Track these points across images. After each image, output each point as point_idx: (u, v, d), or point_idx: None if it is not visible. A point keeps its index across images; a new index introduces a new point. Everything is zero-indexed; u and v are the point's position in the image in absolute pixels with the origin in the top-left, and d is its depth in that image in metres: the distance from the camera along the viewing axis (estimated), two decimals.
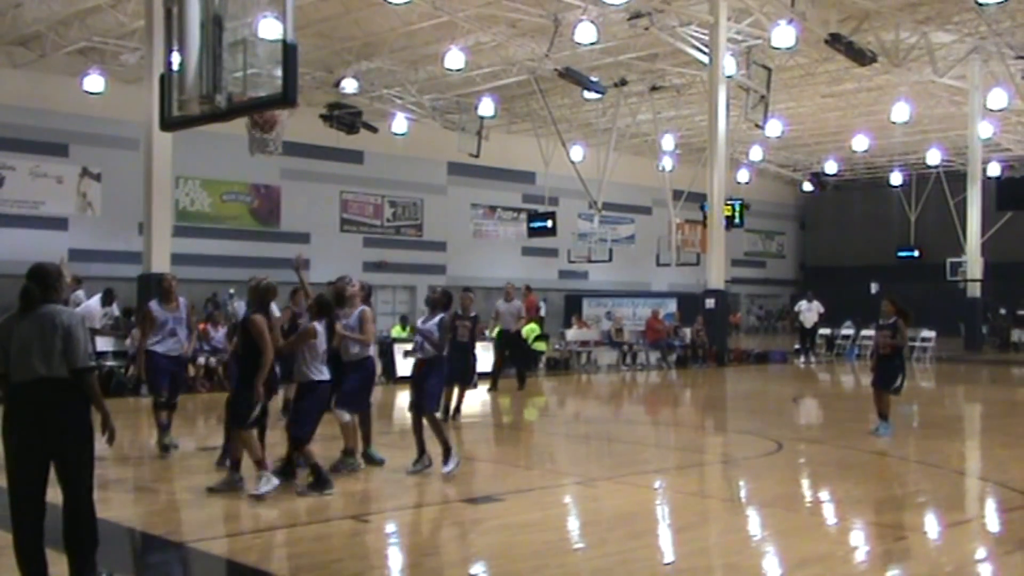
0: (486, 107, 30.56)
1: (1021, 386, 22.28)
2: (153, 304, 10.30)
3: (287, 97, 7.26)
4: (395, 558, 6.61)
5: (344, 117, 30.97)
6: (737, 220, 33.86)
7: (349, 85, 29.15)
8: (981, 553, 6.77)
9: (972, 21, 24.89)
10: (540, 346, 22.15)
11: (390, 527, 7.53)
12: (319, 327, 8.15)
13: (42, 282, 5.24)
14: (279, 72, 7.25)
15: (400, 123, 33.48)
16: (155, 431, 10.29)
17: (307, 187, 34.62)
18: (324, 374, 8.16)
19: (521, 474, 9.91)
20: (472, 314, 13.08)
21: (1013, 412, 16.29)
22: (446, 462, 8.70)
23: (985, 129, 30.88)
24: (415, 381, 9.05)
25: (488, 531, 7.20)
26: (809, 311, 27.59)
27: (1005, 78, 27.79)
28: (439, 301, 9.09)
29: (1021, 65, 27.17)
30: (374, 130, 32.36)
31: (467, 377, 12.78)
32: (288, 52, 7.10)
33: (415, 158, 36.48)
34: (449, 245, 38.81)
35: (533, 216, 35.30)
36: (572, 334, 24.31)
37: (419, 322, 9.24)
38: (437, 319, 8.94)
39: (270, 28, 10.89)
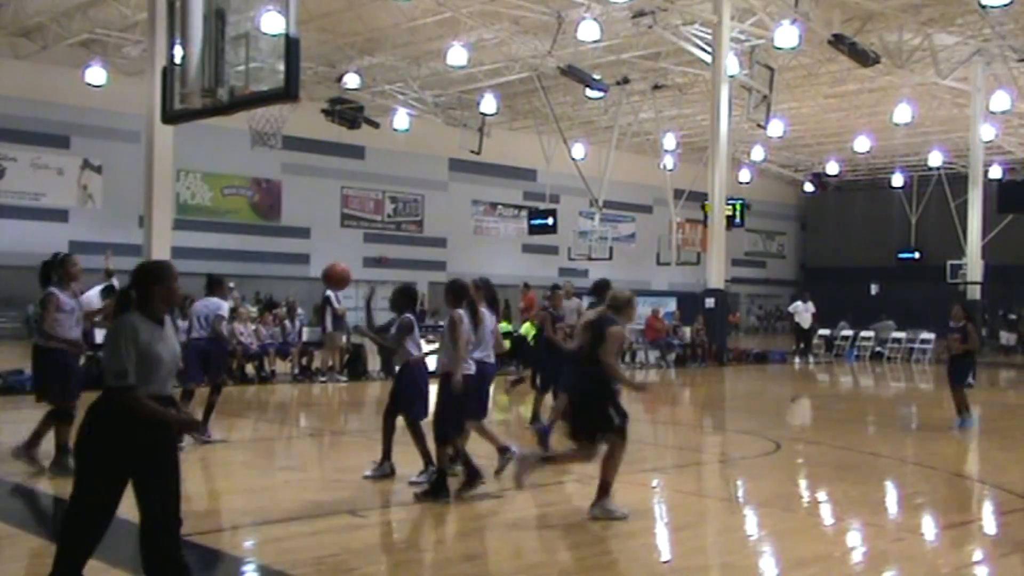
0: (488, 104, 30.55)
1: (1018, 388, 22.26)
2: (55, 289, 8.44)
3: (289, 91, 7.26)
4: (391, 554, 6.61)
5: (346, 112, 30.98)
6: (738, 220, 33.85)
7: (351, 80, 29.16)
8: (978, 555, 6.77)
9: (976, 23, 24.87)
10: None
11: (386, 523, 7.54)
12: (463, 313, 7.78)
13: (132, 285, 4.71)
14: (281, 66, 7.25)
15: (402, 119, 33.48)
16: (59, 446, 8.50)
17: (308, 182, 34.62)
18: (468, 367, 7.83)
19: None
20: (562, 314, 12.81)
21: (1011, 414, 16.29)
22: (420, 473, 8.30)
23: (987, 132, 30.86)
24: (394, 387, 8.63)
25: (484, 528, 7.20)
26: (806, 312, 27.61)
27: (1008, 81, 27.78)
28: (401, 302, 8.47)
29: (1023, 68, 27.20)
30: (376, 125, 32.36)
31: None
32: (290, 46, 7.09)
33: (416, 154, 36.48)
34: (449, 241, 38.83)
35: (534, 213, 35.34)
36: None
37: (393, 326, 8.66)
38: (398, 321, 8.41)
39: (272, 22, 10.88)
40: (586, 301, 11.12)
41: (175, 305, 5.01)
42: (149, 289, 4.66)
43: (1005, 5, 20.82)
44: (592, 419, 7.06)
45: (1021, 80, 28.14)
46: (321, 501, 7.74)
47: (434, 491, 7.70)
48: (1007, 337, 33.15)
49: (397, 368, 8.78)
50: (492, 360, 8.61)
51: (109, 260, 18.06)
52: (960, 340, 12.78)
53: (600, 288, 11.25)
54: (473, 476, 7.77)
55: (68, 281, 8.41)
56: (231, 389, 16.41)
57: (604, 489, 7.17)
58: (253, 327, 17.97)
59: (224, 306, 10.92)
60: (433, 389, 8.53)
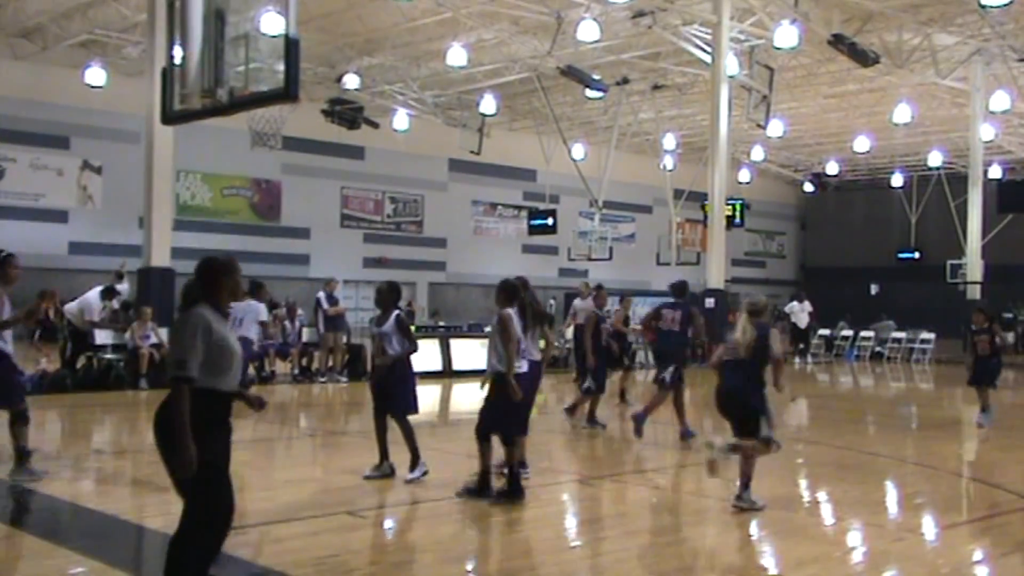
0: (488, 104, 30.54)
1: (1016, 388, 22.25)
2: None
3: (289, 92, 7.25)
4: (391, 554, 6.61)
5: (345, 112, 30.96)
6: (738, 220, 33.83)
7: (351, 80, 29.14)
8: (978, 555, 6.77)
9: (975, 23, 24.85)
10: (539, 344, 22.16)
11: (386, 523, 7.54)
12: (513, 313, 7.76)
13: (200, 278, 4.65)
14: (281, 67, 7.24)
15: (401, 119, 33.46)
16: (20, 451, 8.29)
17: (308, 182, 34.62)
18: (521, 366, 7.80)
19: None
20: (606, 314, 13.08)
21: (1011, 414, 16.28)
22: (412, 469, 8.39)
23: (987, 131, 30.84)
24: (382, 385, 8.58)
25: (485, 528, 7.20)
26: (802, 312, 27.59)
27: (1007, 80, 27.76)
28: (389, 299, 8.58)
29: (1023, 68, 27.15)
30: (375, 126, 32.36)
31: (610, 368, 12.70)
32: (290, 47, 7.09)
33: (416, 154, 36.48)
34: (449, 242, 38.83)
35: (534, 214, 35.32)
36: (571, 332, 24.24)
37: (373, 324, 8.76)
38: (393, 318, 8.45)
39: (272, 22, 10.89)
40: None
41: (237, 299, 4.97)
42: (219, 282, 4.61)
43: (1005, 5, 20.80)
44: (750, 420, 7.60)
45: (1021, 80, 28.12)
46: (321, 501, 7.74)
47: (478, 490, 7.66)
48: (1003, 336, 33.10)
49: (376, 365, 8.76)
50: (538, 358, 8.67)
51: (124, 268, 18.37)
52: (989, 343, 12.99)
53: (679, 289, 12.08)
54: (516, 492, 7.68)
55: (8, 282, 8.20)
56: None
57: (746, 483, 7.56)
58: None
59: (263, 309, 11.16)
60: (418, 388, 8.57)
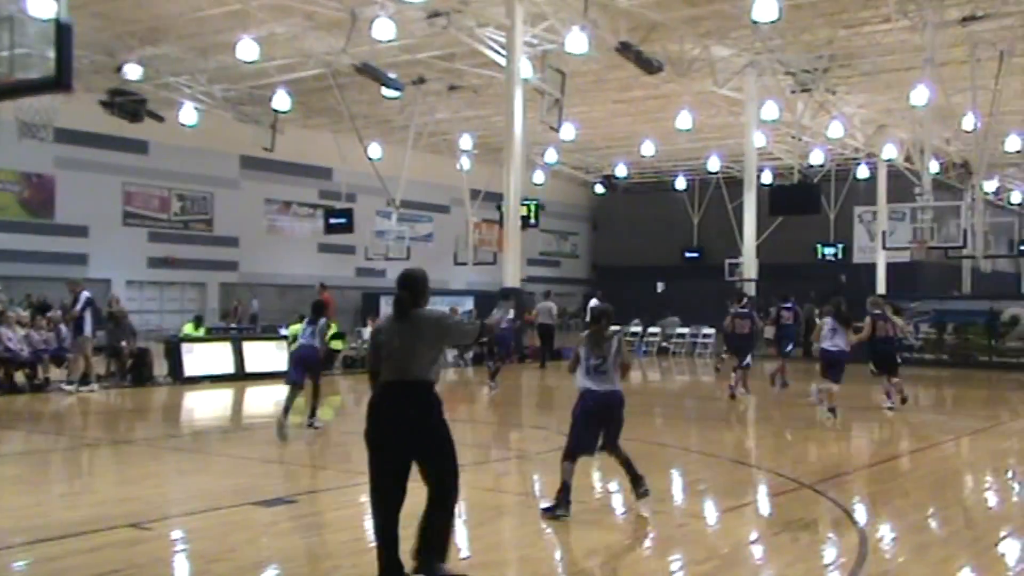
0: (281, 100, 29.75)
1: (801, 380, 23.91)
2: None
3: (61, 80, 6.83)
4: (179, 566, 6.33)
5: (126, 104, 29.43)
6: (532, 220, 34.63)
7: (132, 71, 27.65)
8: (754, 535, 7.23)
9: (748, 37, 26.52)
10: (337, 344, 21.88)
11: (174, 534, 7.19)
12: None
13: (412, 289, 5.56)
14: (51, 53, 6.81)
15: (189, 113, 32.05)
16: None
17: (85, 177, 32.65)
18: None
19: (317, 474, 9.74)
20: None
21: (783, 404, 17.47)
22: None
23: (759, 139, 32.92)
24: None
25: (281, 533, 7.02)
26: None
27: (776, 92, 29.77)
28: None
29: (789, 80, 29.18)
30: (160, 119, 30.92)
31: None
32: (62, 32, 6.68)
33: (205, 150, 35.14)
34: (242, 241, 37.67)
35: (330, 213, 34.83)
36: (369, 332, 24.08)
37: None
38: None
39: (41, 5, 10.17)
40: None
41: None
42: (423, 292, 5.66)
43: (773, 22, 22.31)
44: None
45: (788, 92, 30.19)
46: (102, 515, 7.30)
47: None
48: (769, 331, 35.31)
49: None
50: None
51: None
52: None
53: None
54: None
55: None
56: None
57: None
58: (23, 332, 16.73)
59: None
60: None
